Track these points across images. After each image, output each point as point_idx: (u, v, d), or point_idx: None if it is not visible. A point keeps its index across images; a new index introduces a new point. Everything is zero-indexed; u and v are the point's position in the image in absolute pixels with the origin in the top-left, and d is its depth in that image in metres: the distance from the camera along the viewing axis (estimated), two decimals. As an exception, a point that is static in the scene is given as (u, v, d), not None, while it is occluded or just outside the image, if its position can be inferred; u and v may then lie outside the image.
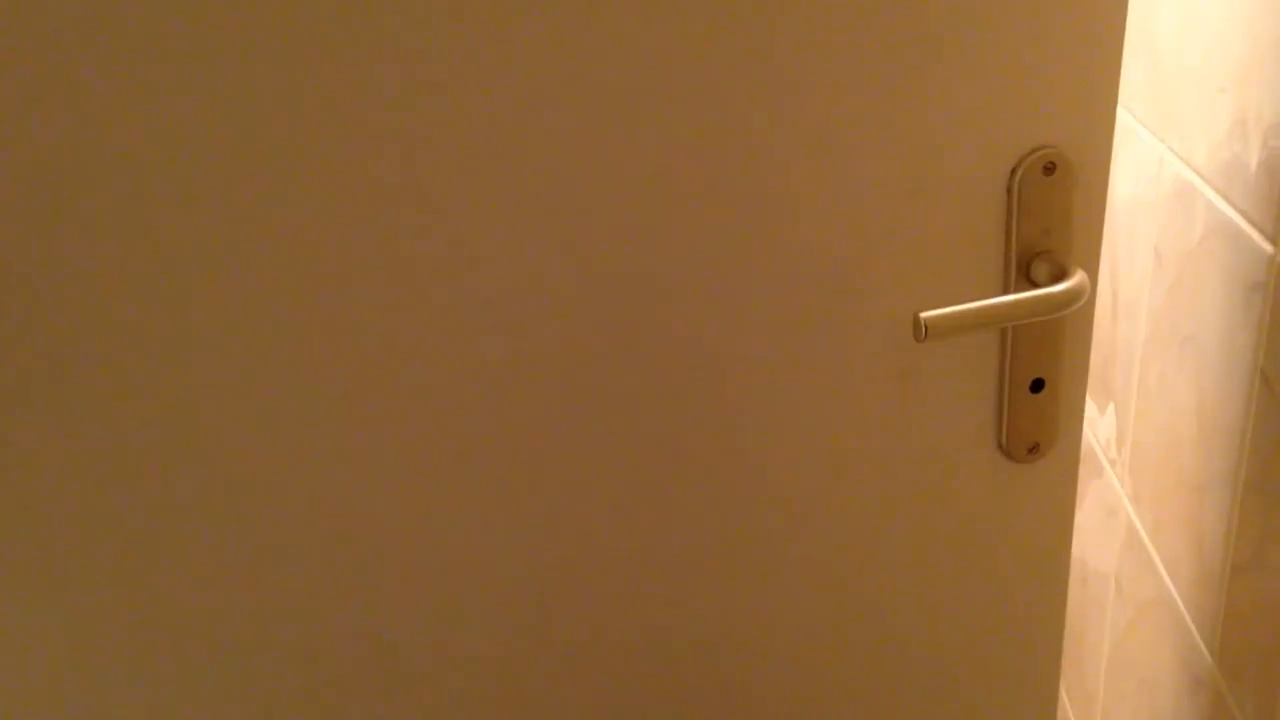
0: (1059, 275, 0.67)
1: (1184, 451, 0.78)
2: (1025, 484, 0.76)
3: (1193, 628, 0.76)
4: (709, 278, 0.64)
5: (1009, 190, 0.68)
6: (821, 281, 0.65)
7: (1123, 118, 0.89)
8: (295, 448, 0.64)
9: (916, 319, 0.65)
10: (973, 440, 0.74)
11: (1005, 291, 0.69)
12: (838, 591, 0.75)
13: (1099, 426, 0.94)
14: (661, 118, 0.60)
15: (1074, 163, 0.67)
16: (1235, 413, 0.69)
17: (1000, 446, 0.75)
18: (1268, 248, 0.65)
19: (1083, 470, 0.99)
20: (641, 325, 0.65)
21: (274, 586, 0.68)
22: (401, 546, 0.68)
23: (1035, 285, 0.70)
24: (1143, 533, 0.85)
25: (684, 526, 0.72)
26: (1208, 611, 0.73)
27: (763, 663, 0.78)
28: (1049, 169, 0.67)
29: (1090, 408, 0.97)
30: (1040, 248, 0.69)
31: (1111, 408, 0.91)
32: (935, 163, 0.64)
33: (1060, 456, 0.75)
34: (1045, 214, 0.69)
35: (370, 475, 0.66)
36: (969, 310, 0.66)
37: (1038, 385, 0.74)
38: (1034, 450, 0.74)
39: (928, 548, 0.75)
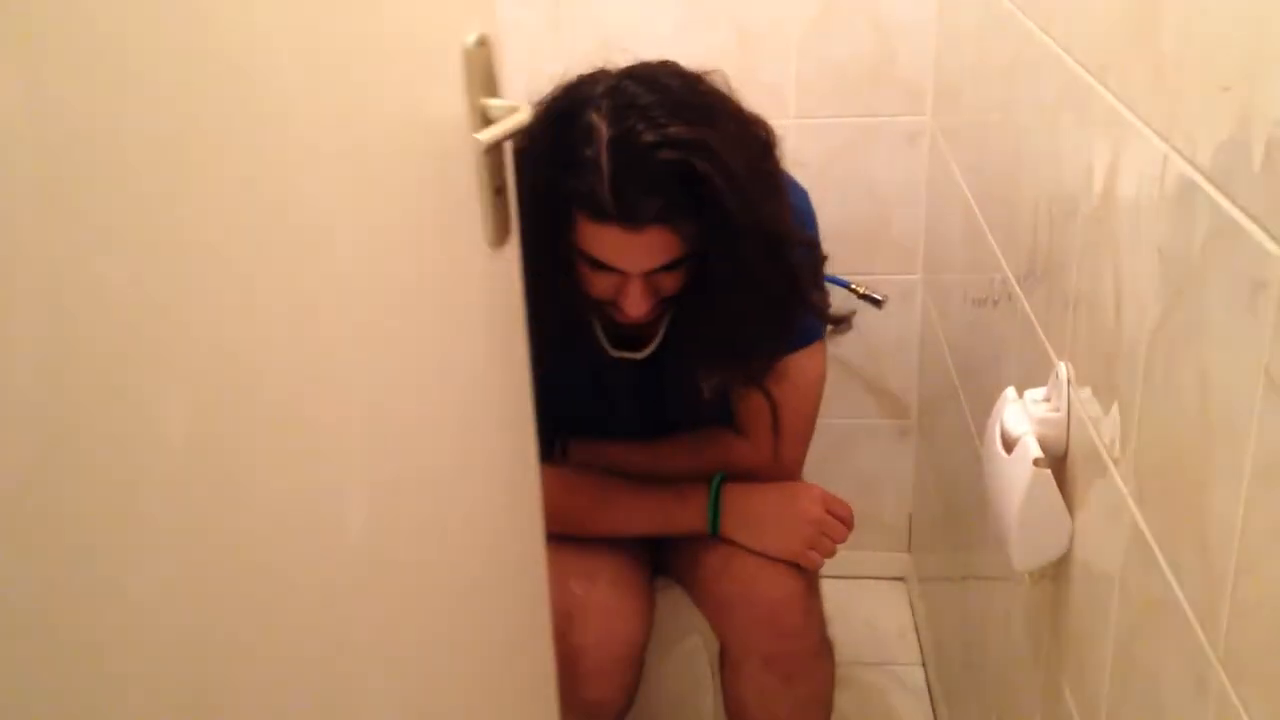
0: (507, 114, 1.01)
1: (1188, 452, 0.77)
2: (499, 266, 1.09)
3: (1198, 628, 0.76)
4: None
5: (463, 60, 0.98)
6: (358, 134, 0.87)
7: (1125, 116, 0.89)
8: None
9: (476, 140, 0.98)
10: (472, 234, 1.05)
11: (477, 130, 1.02)
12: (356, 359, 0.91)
13: (1102, 427, 0.94)
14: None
15: (492, 38, 1.01)
16: (1240, 413, 0.69)
17: (487, 239, 1.06)
18: (1273, 248, 0.65)
19: (1086, 470, 0.99)
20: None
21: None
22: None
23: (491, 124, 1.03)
24: (1147, 533, 0.85)
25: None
26: (1213, 612, 0.73)
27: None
28: (481, 43, 1.00)
29: (1094, 407, 0.97)
30: (487, 97, 1.02)
31: (1115, 408, 0.91)
32: (414, 44, 0.95)
33: (513, 242, 1.10)
34: (485, 76, 1.01)
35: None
36: (505, 129, 1.00)
37: (500, 190, 1.06)
38: (504, 238, 1.07)
39: (436, 322, 1.01)
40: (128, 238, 0.64)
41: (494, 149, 1.03)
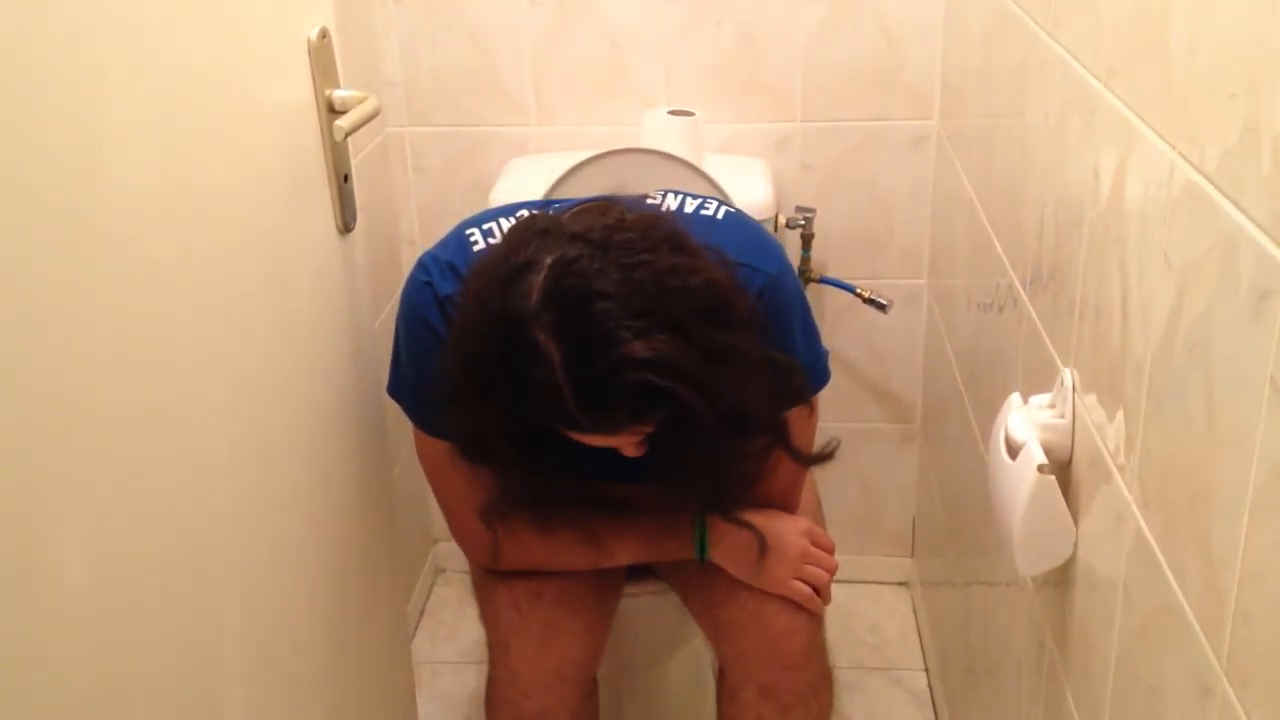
0: (355, 104, 1.12)
1: (1193, 459, 0.77)
2: (349, 250, 1.20)
3: (1201, 635, 0.76)
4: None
5: (308, 52, 1.07)
6: (220, 125, 0.93)
7: (1132, 122, 0.89)
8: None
9: (337, 128, 1.08)
10: (325, 222, 1.15)
11: (326, 117, 1.11)
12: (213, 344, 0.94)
13: (1107, 433, 0.94)
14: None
15: (330, 28, 1.10)
16: (1245, 420, 0.69)
17: (338, 225, 1.16)
18: (1279, 255, 0.65)
19: (1090, 477, 0.99)
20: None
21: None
22: None
23: (338, 113, 1.12)
24: (1151, 540, 0.84)
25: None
26: (1216, 619, 0.73)
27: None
28: (322, 35, 1.09)
29: (1099, 414, 0.97)
30: (330, 88, 1.11)
31: (1120, 415, 0.91)
32: (259, 35, 1.01)
33: (361, 227, 1.22)
34: (328, 66, 1.10)
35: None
36: (361, 113, 1.10)
37: (346, 178, 1.17)
38: (352, 225, 1.18)
39: (290, 304, 1.08)
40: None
41: (344, 140, 1.12)
